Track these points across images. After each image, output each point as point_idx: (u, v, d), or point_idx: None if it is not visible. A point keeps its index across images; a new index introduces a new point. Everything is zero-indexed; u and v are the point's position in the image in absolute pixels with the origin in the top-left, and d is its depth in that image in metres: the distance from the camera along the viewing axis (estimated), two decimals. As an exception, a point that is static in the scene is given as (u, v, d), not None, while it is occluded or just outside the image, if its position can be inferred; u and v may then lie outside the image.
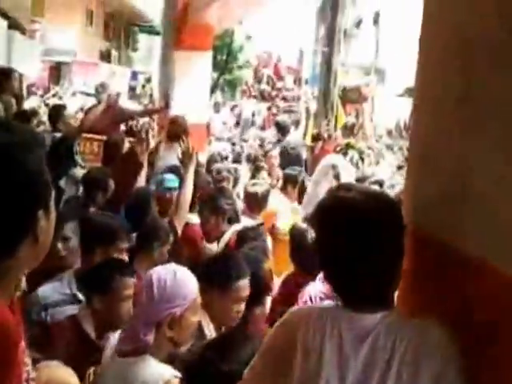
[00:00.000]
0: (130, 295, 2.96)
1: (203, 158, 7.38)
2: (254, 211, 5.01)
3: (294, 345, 1.73)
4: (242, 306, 3.02)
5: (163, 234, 3.94)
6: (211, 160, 7.68)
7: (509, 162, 1.47)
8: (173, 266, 2.62)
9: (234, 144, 11.85)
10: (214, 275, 2.99)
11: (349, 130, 11.09)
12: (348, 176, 6.36)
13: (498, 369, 1.48)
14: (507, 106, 1.48)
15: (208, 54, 8.33)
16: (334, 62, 15.16)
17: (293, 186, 5.91)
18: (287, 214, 5.41)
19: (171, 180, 5.12)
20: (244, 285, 3.02)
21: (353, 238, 1.70)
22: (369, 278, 1.70)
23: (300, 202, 5.69)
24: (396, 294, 1.87)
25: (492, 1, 1.58)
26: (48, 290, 3.34)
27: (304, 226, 3.91)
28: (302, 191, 5.80)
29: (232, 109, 20.29)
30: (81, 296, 3.25)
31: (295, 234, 3.98)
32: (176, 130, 6.38)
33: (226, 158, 8.55)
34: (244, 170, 7.92)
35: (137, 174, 5.27)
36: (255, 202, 5.09)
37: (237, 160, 9.15)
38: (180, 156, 4.70)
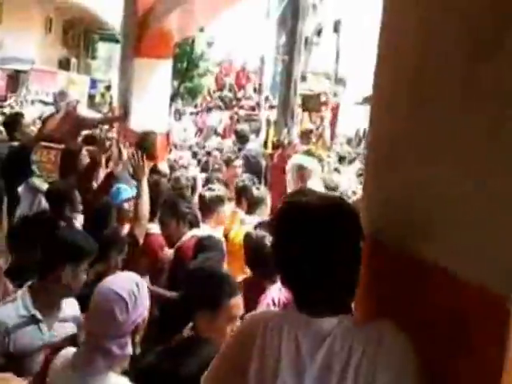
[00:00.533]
0: None
1: (164, 167, 7.34)
2: (204, 215, 5.04)
3: (251, 349, 1.74)
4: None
5: (121, 245, 3.92)
6: (171, 169, 7.65)
7: (460, 172, 1.50)
8: (125, 274, 2.63)
9: (196, 153, 11.82)
10: (206, 295, 2.88)
11: (306, 137, 11.11)
12: (317, 179, 6.33)
13: (455, 371, 1.50)
14: (458, 115, 1.51)
15: (168, 61, 8.29)
16: (294, 70, 15.23)
17: (245, 195, 5.82)
18: (236, 224, 5.38)
19: (126, 190, 5.13)
20: (237, 302, 2.91)
21: (307, 241, 1.70)
22: (323, 282, 1.71)
23: (249, 212, 5.60)
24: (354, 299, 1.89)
25: (442, 15, 1.61)
26: (4, 314, 3.13)
27: (260, 232, 3.90)
28: (253, 200, 5.69)
29: (193, 114, 20.26)
30: (39, 315, 3.16)
31: (250, 241, 3.99)
32: (145, 146, 6.33)
33: (185, 167, 8.50)
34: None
35: (107, 183, 5.25)
36: (203, 206, 5.12)
37: (205, 169, 9.13)
38: (131, 170, 4.71)
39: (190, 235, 4.52)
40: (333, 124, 14.95)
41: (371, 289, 1.90)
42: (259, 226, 4.13)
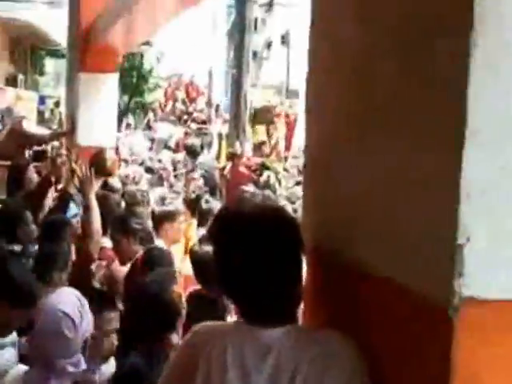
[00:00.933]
0: None
1: (116, 182, 7.25)
2: (156, 231, 5.03)
3: (196, 362, 1.70)
4: None
5: (61, 262, 3.83)
6: (124, 184, 7.59)
7: (391, 180, 1.50)
8: (66, 290, 2.60)
9: (151, 170, 11.76)
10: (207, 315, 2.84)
11: (258, 149, 11.15)
12: None
13: (401, 380, 1.49)
14: (390, 117, 1.51)
15: (114, 75, 8.24)
16: (244, 84, 15.29)
17: (198, 207, 5.84)
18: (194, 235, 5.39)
19: (72, 207, 5.09)
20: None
21: (247, 250, 1.68)
22: (267, 293, 1.69)
23: (200, 224, 5.62)
24: (301, 310, 1.88)
25: (376, 26, 1.60)
26: None
27: (205, 247, 3.89)
28: (202, 213, 5.71)
29: (146, 129, 20.21)
30: None
31: (195, 256, 3.99)
32: (99, 164, 6.25)
33: (136, 182, 8.45)
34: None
35: (62, 202, 5.20)
36: (153, 221, 5.13)
37: (161, 185, 9.09)
38: (77, 184, 4.66)
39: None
40: (289, 136, 15.00)
41: (317, 299, 1.89)
42: (202, 239, 4.13)
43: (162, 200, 6.23)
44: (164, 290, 3.24)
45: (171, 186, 9.12)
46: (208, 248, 3.85)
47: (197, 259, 3.97)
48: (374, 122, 1.59)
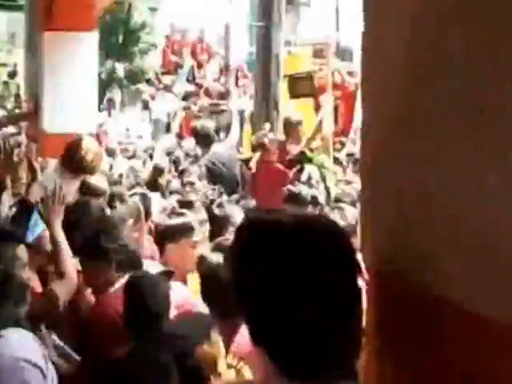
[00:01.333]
0: None
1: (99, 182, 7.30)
2: (159, 251, 5.11)
3: None
4: None
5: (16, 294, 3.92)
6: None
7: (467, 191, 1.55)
8: (16, 331, 2.73)
9: (144, 162, 11.91)
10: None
11: (293, 134, 10.91)
12: None
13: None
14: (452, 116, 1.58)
15: (92, 34, 8.27)
16: (275, 42, 15.20)
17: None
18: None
19: (38, 221, 5.14)
20: None
21: (285, 276, 1.67)
22: (314, 332, 1.68)
23: (213, 236, 5.71)
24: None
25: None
26: None
27: (217, 256, 3.91)
28: (215, 221, 5.78)
29: (138, 107, 20.44)
30: None
31: (203, 266, 4.06)
32: (75, 158, 6.30)
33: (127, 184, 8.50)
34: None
35: (19, 211, 5.28)
36: (155, 235, 5.30)
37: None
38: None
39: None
40: (346, 114, 14.83)
41: (383, 336, 1.91)
42: (215, 247, 4.18)
43: (170, 209, 6.28)
44: (188, 355, 3.31)
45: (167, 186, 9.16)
46: (219, 258, 3.88)
47: (206, 271, 3.99)
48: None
